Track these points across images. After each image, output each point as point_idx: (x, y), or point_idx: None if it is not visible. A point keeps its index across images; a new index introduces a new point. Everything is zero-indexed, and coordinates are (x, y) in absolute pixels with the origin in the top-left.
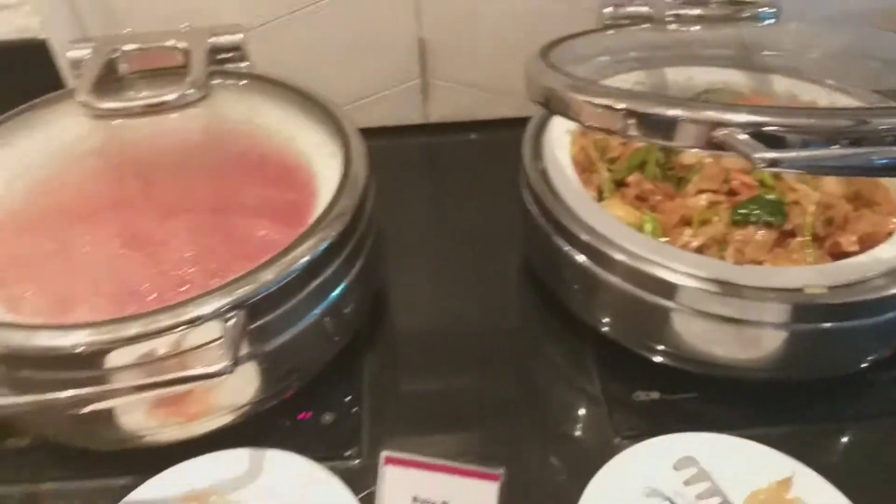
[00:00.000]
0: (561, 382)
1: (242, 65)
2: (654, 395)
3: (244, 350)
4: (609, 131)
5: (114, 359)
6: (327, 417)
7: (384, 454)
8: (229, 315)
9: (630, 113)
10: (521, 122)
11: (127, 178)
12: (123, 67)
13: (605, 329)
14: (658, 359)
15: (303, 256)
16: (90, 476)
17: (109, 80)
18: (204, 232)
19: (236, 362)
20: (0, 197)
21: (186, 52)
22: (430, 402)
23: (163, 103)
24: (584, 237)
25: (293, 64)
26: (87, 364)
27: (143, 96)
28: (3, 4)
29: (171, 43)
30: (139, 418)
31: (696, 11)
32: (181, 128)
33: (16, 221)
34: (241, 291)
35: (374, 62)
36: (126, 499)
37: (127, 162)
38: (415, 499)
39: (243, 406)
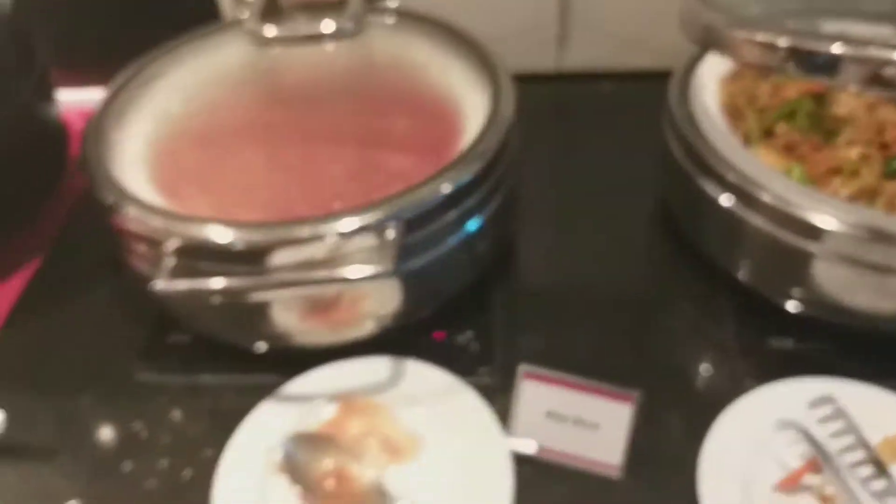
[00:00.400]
0: (693, 326)
1: (390, 2)
2: (788, 342)
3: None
4: (770, 69)
5: (279, 257)
6: (460, 339)
7: (523, 368)
8: (389, 225)
9: (793, 50)
10: (655, 76)
11: (285, 103)
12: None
13: (743, 275)
14: (795, 306)
15: (449, 183)
16: (242, 371)
17: (272, 11)
18: (353, 159)
19: (396, 268)
20: (179, 113)
21: None
22: (560, 339)
23: (322, 34)
24: (731, 178)
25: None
26: (254, 261)
27: (304, 27)
28: None
29: None
30: (290, 321)
31: None
32: (337, 59)
33: (190, 136)
34: (400, 204)
35: (514, 3)
36: (275, 392)
37: (286, 88)
38: (549, 413)
39: (384, 318)
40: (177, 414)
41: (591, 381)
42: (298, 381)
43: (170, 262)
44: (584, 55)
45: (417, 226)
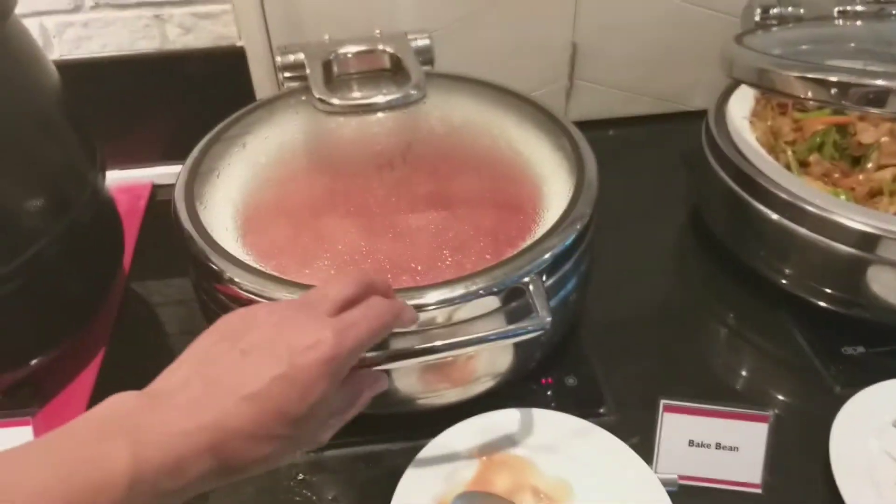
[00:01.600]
0: (763, 343)
1: (429, 67)
2: (860, 349)
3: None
4: (822, 103)
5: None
6: (570, 381)
7: (662, 402)
8: (534, 278)
9: (844, 85)
10: (654, 119)
11: (362, 170)
12: (335, 70)
13: (800, 288)
14: (857, 314)
15: (562, 238)
16: (367, 442)
17: (328, 81)
18: (437, 221)
19: (550, 318)
20: (260, 183)
21: (393, 56)
22: (647, 366)
23: (389, 101)
24: (786, 197)
25: (459, 65)
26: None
27: (368, 95)
28: (205, 13)
29: (380, 47)
30: (413, 384)
31: (853, 7)
32: (403, 124)
33: (276, 206)
34: (532, 258)
35: (531, 63)
36: (418, 457)
37: (358, 156)
38: (690, 442)
39: (503, 374)
40: (314, 490)
41: (726, 406)
42: (436, 442)
43: None
44: (587, 105)
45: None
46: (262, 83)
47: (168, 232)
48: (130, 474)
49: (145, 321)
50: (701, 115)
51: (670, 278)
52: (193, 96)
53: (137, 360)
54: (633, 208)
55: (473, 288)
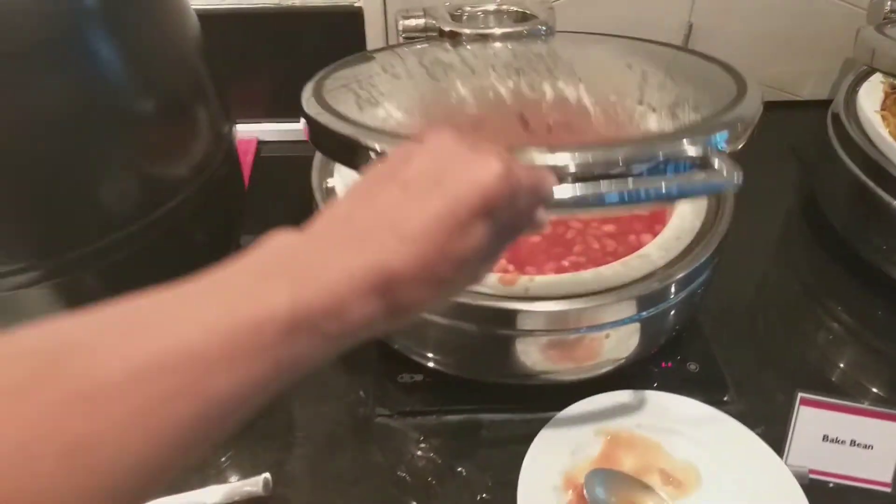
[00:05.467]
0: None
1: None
2: None
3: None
4: None
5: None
6: (692, 366)
7: (800, 395)
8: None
9: None
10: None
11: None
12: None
13: None
14: None
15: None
16: (488, 409)
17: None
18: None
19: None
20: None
21: (519, 13)
22: (768, 354)
23: (520, 32)
24: None
25: None
26: None
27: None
28: None
29: (504, 7)
30: (537, 360)
31: None
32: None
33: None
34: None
35: None
36: (543, 430)
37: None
38: (825, 437)
39: (625, 357)
40: (440, 454)
41: (864, 403)
42: (561, 416)
43: None
44: None
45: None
46: (375, 45)
47: (274, 187)
48: (290, 314)
49: None
50: (809, 105)
51: (783, 269)
52: (304, 55)
53: None
54: (742, 196)
55: (664, 146)
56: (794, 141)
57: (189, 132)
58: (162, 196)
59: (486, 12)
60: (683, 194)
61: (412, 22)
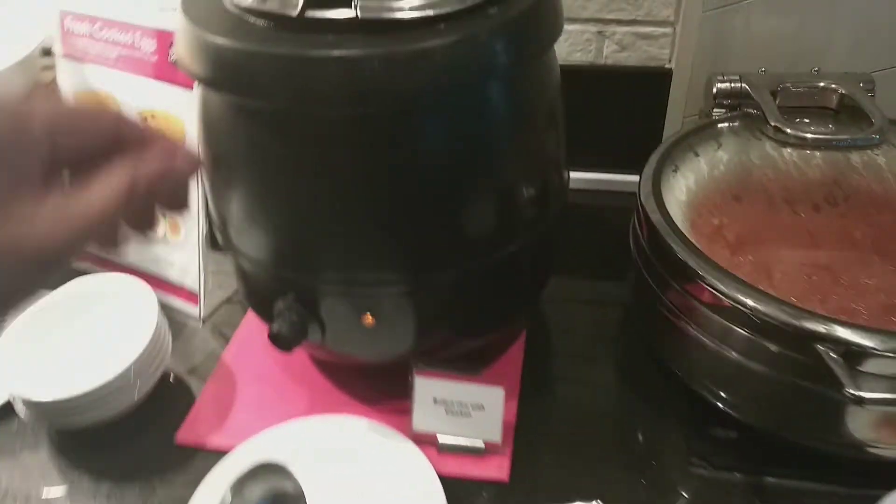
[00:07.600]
0: None
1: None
2: None
3: None
4: None
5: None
6: None
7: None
8: None
9: None
10: None
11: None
12: (777, 102)
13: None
14: None
15: None
16: (821, 480)
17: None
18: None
19: None
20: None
21: (842, 95)
22: None
23: (845, 141)
24: None
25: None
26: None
27: (824, 132)
28: (645, 34)
29: (832, 86)
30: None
31: None
32: (855, 167)
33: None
34: None
35: None
36: None
37: (806, 190)
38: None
39: None
40: None
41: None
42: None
43: None
44: None
45: None
46: (675, 105)
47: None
48: None
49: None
50: None
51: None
52: (608, 111)
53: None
54: None
55: None
56: None
57: (548, 176)
58: (513, 234)
59: (810, 88)
60: None
61: (729, 85)
